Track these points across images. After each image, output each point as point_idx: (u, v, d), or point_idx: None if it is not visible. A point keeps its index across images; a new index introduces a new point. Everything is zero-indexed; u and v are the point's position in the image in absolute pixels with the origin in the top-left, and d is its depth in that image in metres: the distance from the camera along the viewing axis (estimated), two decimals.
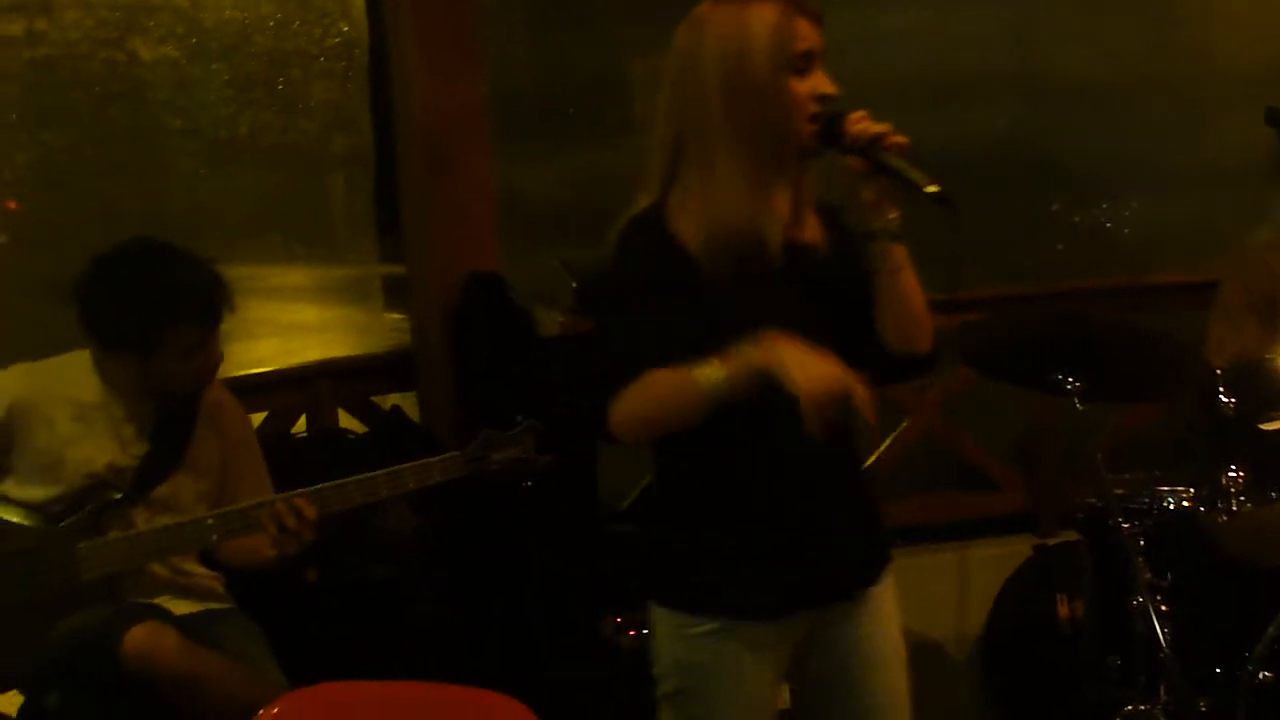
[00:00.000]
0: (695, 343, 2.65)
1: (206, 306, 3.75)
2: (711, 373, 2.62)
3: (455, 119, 4.83)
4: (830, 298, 2.79)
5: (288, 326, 5.93)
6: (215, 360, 3.81)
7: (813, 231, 2.82)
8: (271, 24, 5.57)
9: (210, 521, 3.72)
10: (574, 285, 4.73)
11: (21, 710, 3.77)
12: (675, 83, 2.78)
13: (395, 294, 5.82)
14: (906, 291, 2.75)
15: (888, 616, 2.95)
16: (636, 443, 2.78)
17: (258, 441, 4.08)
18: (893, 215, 2.70)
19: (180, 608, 3.78)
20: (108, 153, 5.32)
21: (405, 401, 5.14)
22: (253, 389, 4.68)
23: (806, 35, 2.71)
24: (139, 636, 3.48)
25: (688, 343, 2.66)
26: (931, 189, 2.60)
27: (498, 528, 4.53)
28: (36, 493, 3.74)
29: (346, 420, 5.07)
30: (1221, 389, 4.04)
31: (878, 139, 2.65)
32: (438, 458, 3.82)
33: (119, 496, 3.73)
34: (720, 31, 2.73)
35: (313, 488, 3.70)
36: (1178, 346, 4.34)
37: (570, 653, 4.49)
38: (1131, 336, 4.34)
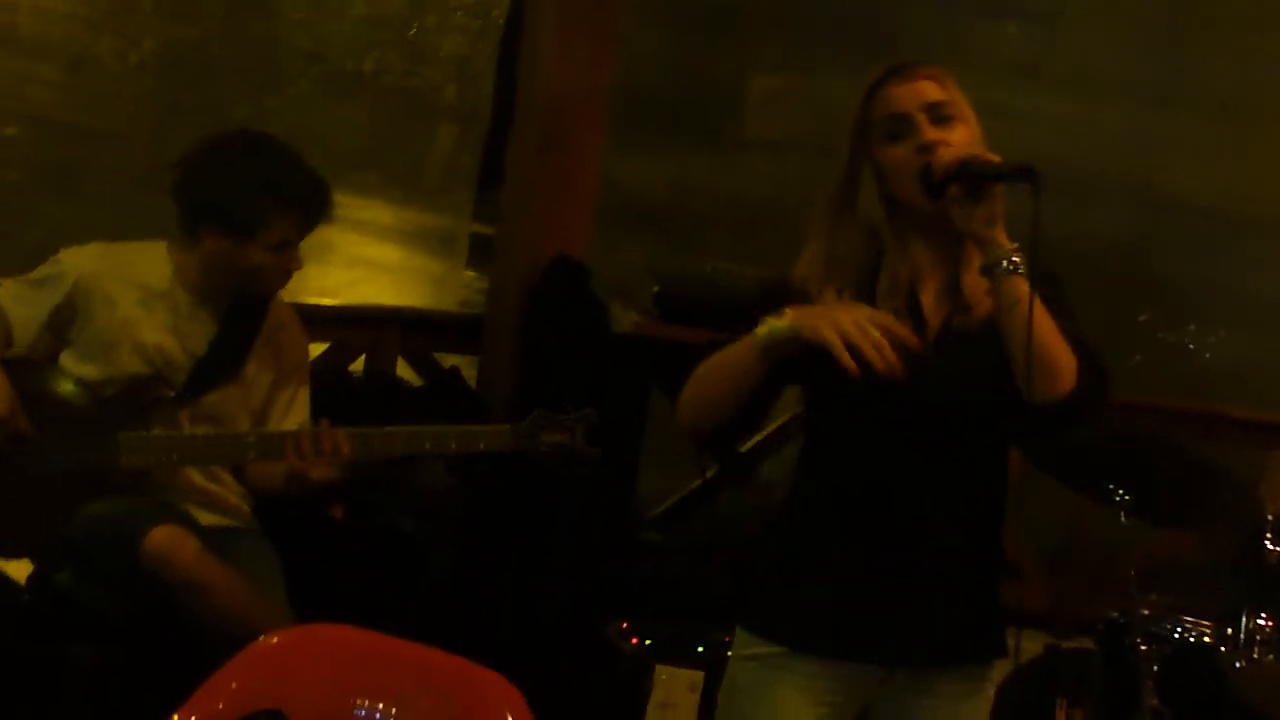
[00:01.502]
0: None
1: (312, 201, 3.80)
2: (767, 323, 2.64)
3: (577, 102, 4.85)
4: (980, 363, 2.73)
5: (362, 261, 5.96)
6: (296, 266, 3.84)
7: (979, 291, 2.75)
8: None
9: (251, 439, 3.76)
10: (655, 289, 4.73)
11: (30, 578, 3.81)
12: None
13: (480, 252, 5.84)
14: (1033, 330, 2.61)
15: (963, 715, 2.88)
16: (692, 425, 2.84)
17: (309, 372, 4.10)
18: (1010, 246, 2.63)
19: (206, 518, 3.80)
20: (231, 57, 5.36)
21: (466, 365, 5.16)
22: (321, 320, 4.73)
23: (892, 99, 2.73)
24: (161, 536, 3.53)
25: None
26: (1016, 165, 2.60)
27: (529, 507, 4.54)
28: (90, 371, 3.77)
29: (404, 370, 5.09)
30: (1269, 535, 4.02)
31: (969, 160, 2.64)
32: (486, 427, 3.84)
33: (170, 395, 3.77)
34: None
35: (360, 428, 3.72)
36: (1234, 482, 4.31)
37: (573, 646, 4.50)
38: (1189, 462, 4.31)
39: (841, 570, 2.78)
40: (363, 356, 5.05)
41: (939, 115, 2.72)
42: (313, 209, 3.80)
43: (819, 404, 2.84)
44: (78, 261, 3.80)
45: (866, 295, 2.74)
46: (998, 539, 2.90)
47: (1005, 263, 2.62)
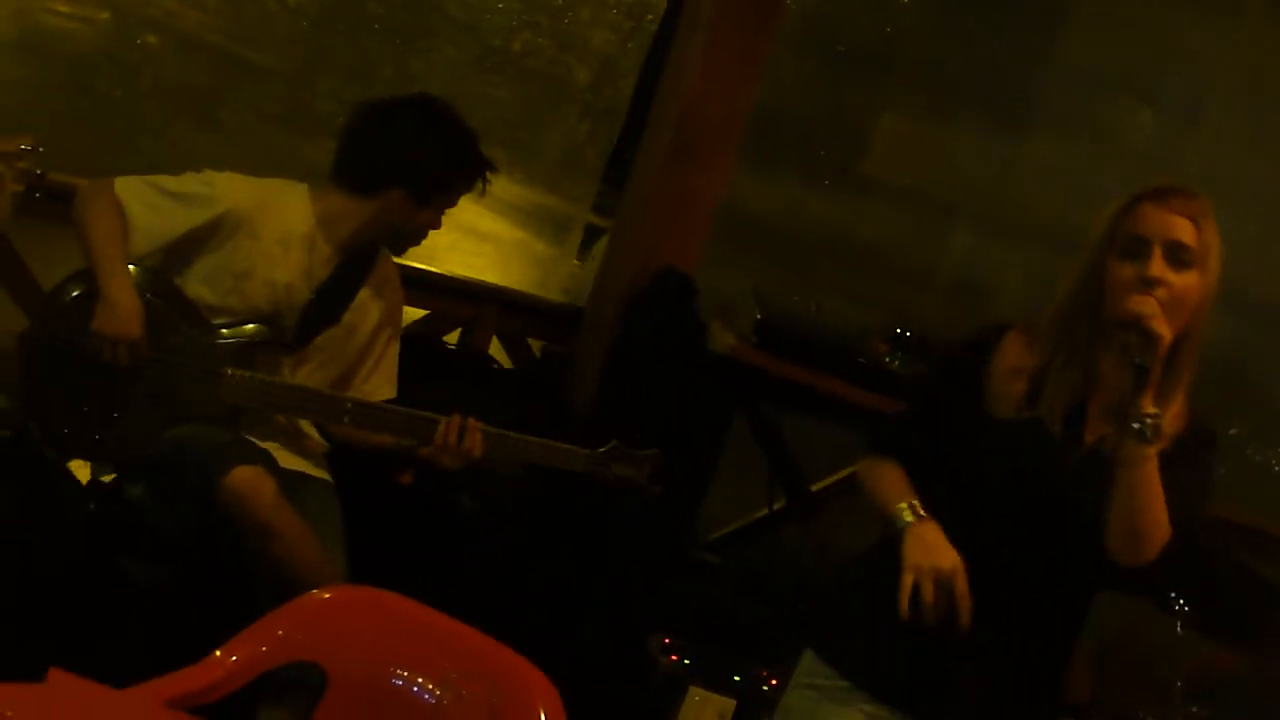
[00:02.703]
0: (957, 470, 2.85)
1: (483, 172, 3.94)
2: (903, 510, 2.82)
3: (712, 119, 4.86)
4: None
5: (468, 230, 5.98)
6: (439, 227, 3.97)
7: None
8: None
9: (349, 405, 3.80)
10: (757, 316, 4.73)
11: (101, 486, 3.85)
12: None
13: (593, 245, 5.85)
14: (1133, 494, 2.68)
15: None
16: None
17: (400, 331, 4.14)
18: (1150, 411, 2.65)
19: (285, 460, 3.84)
20: (385, 16, 5.39)
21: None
22: (425, 285, 4.77)
23: (1143, 219, 2.73)
24: (244, 475, 3.56)
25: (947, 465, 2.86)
26: (1138, 360, 2.65)
27: (593, 510, 4.55)
28: (210, 297, 3.79)
29: (496, 350, 5.12)
30: None
31: (1139, 319, 2.67)
32: (565, 445, 3.92)
33: (278, 337, 3.81)
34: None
35: (497, 430, 3.81)
36: None
37: (611, 653, 4.52)
38: (1257, 583, 4.28)
39: (922, 625, 2.80)
40: (459, 330, 5.09)
41: (1178, 257, 2.72)
42: (484, 183, 3.96)
43: (949, 473, 2.88)
44: (231, 190, 3.79)
45: (1035, 392, 2.81)
46: (1072, 644, 2.94)
47: (1137, 424, 2.65)
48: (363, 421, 3.81)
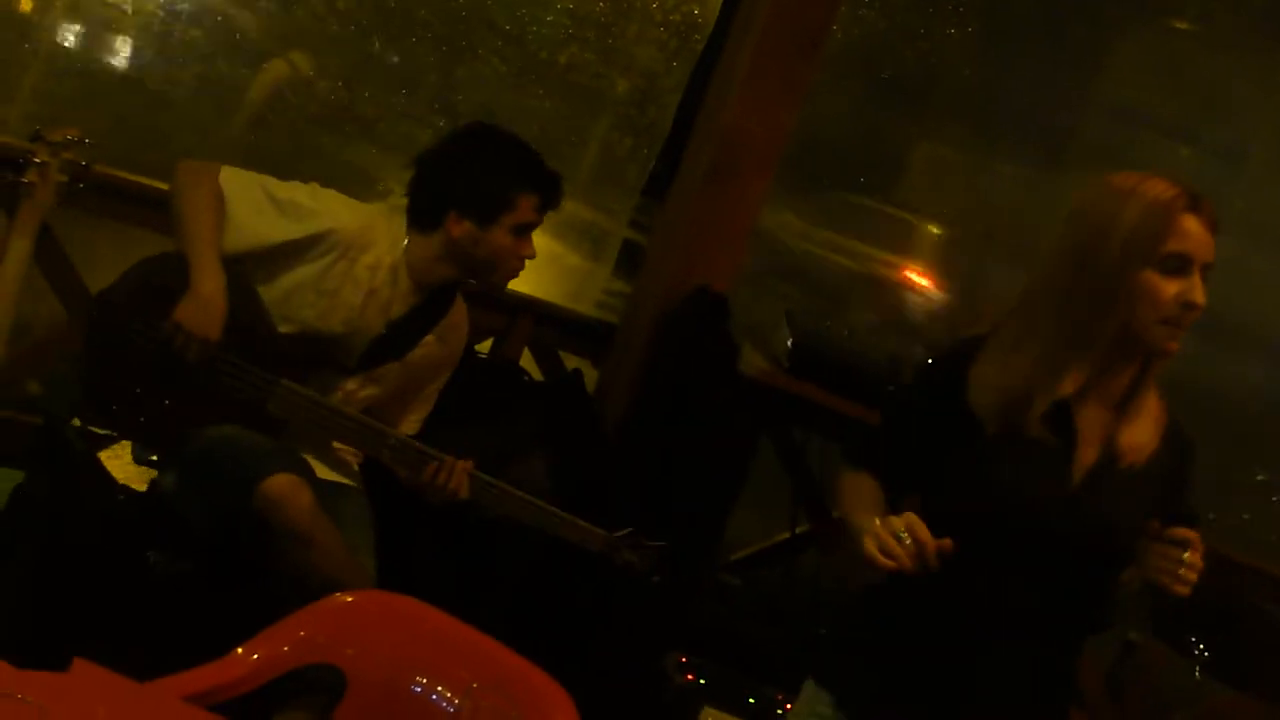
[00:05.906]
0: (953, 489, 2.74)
1: (552, 184, 3.89)
2: (864, 523, 2.66)
3: (752, 143, 4.85)
4: (1126, 509, 2.72)
5: None
6: (530, 254, 3.90)
7: (1139, 436, 2.74)
8: None
9: (393, 442, 3.78)
10: (790, 340, 4.73)
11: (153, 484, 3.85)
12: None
13: (630, 260, 5.85)
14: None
15: None
16: None
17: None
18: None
19: (321, 470, 3.84)
20: (433, 24, 5.42)
21: (587, 368, 5.18)
22: None
23: (1188, 235, 2.60)
24: (281, 482, 3.55)
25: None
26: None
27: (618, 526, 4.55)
28: (287, 307, 3.79)
29: (527, 361, 5.13)
30: None
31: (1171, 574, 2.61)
32: (586, 525, 3.93)
33: (342, 361, 3.83)
34: (1098, 203, 2.66)
35: (491, 479, 3.79)
36: None
37: (628, 669, 4.52)
38: (1275, 631, 4.27)
39: (923, 660, 2.77)
40: (490, 339, 5.09)
41: (1205, 277, 2.64)
42: (551, 193, 3.89)
43: (934, 490, 2.80)
44: (337, 210, 3.83)
45: (1022, 399, 2.68)
46: (1075, 668, 2.88)
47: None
48: (401, 460, 3.78)
